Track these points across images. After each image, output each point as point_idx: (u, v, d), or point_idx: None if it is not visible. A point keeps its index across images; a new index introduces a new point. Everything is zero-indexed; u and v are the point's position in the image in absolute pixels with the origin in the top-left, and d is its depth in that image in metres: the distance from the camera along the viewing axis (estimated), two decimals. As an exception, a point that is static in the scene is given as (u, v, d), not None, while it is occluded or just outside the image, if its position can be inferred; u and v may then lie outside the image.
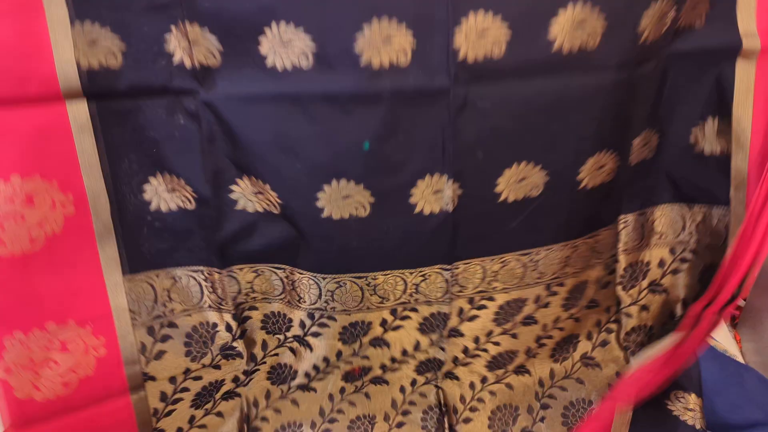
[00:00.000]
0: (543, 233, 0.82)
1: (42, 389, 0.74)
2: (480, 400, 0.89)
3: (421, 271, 0.83)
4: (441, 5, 0.66)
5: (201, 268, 0.81)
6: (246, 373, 0.86)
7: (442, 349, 0.89)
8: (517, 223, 0.80)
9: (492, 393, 0.89)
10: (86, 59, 0.66)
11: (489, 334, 0.88)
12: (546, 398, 0.89)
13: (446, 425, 0.87)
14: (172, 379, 0.83)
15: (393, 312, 0.86)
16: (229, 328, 0.84)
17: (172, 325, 0.82)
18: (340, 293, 0.83)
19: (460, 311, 0.86)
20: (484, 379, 0.90)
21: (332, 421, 0.87)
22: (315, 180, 0.75)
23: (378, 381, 0.90)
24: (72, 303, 0.74)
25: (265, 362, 0.87)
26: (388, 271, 0.82)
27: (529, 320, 0.88)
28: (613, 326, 0.92)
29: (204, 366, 0.84)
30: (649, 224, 0.89)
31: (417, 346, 0.89)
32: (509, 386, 0.90)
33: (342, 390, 0.88)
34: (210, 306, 0.83)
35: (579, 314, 0.90)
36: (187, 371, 0.83)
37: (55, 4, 0.63)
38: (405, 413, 0.88)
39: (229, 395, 0.86)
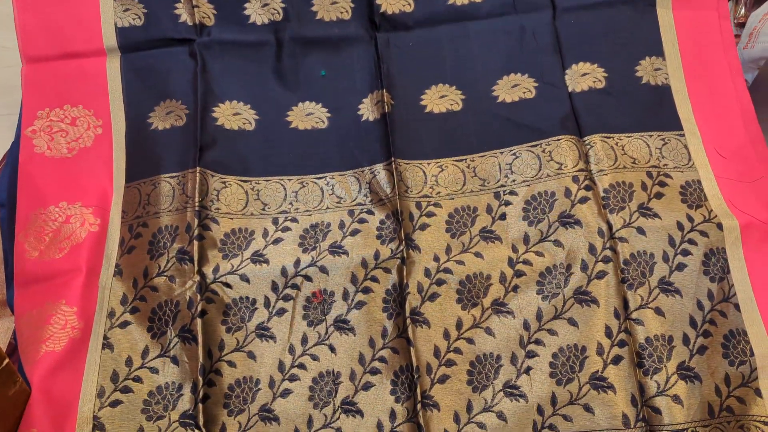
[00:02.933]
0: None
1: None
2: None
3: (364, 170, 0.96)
4: None
5: (177, 173, 0.96)
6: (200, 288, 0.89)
7: None
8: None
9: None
10: (121, 21, 1.01)
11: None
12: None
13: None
14: (135, 283, 0.90)
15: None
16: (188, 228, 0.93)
17: (144, 225, 0.94)
18: (303, 193, 0.96)
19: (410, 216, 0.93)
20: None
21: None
22: (287, 100, 1.01)
23: None
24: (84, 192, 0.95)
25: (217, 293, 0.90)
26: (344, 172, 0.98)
27: None
28: None
29: (159, 270, 0.91)
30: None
31: None
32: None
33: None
34: (177, 209, 0.94)
35: None
36: (146, 273, 0.92)
37: None
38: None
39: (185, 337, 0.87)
